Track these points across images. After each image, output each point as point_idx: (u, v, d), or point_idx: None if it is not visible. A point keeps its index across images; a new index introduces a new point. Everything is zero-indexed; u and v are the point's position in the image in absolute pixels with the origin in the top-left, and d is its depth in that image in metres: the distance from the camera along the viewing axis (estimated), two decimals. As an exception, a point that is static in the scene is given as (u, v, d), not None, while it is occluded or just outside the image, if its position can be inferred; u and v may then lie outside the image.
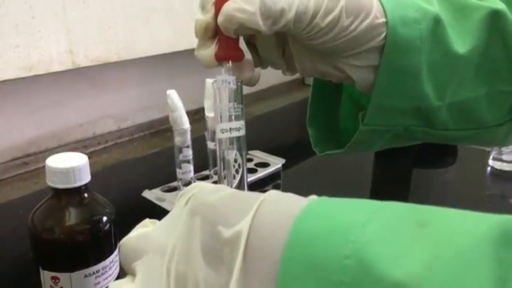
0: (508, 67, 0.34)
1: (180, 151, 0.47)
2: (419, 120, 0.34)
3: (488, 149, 0.75)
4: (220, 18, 0.29)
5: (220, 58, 0.30)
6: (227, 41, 0.29)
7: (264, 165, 0.61)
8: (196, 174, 0.52)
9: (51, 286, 0.39)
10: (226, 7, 0.28)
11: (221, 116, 0.30)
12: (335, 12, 0.29)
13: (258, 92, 1.18)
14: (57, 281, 0.38)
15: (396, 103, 0.32)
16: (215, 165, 0.52)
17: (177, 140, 0.46)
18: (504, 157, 0.73)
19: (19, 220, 0.56)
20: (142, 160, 0.83)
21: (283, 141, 0.95)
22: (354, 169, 0.72)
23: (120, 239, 0.44)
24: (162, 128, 0.95)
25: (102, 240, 0.40)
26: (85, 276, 0.39)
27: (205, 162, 0.53)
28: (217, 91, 0.30)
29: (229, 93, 0.30)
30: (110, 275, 0.40)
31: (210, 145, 0.50)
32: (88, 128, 0.86)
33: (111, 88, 0.88)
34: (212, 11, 0.30)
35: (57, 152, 0.39)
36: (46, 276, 0.39)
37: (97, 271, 0.39)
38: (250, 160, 0.59)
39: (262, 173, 0.59)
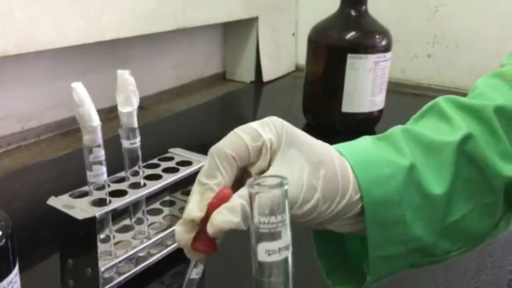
0: (484, 185, 0.35)
1: (90, 151, 0.41)
2: (421, 257, 0.35)
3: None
4: (210, 230, 0.29)
5: (197, 251, 0.31)
6: (209, 238, 0.30)
7: (186, 163, 0.57)
8: (111, 177, 0.47)
9: None
10: (216, 220, 0.29)
11: (262, 233, 0.25)
12: (312, 203, 0.31)
13: (178, 88, 1.13)
14: None
15: (394, 251, 0.34)
16: (131, 166, 0.47)
17: (86, 139, 0.41)
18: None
19: None
20: (50, 164, 0.77)
21: (205, 138, 0.92)
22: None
23: (20, 256, 0.38)
24: (73, 128, 0.88)
25: (-5, 259, 0.34)
26: (-25, 303, 0.33)
27: (120, 163, 0.48)
28: (253, 199, 0.26)
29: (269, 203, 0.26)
30: (6, 300, 0.35)
31: (125, 143, 0.45)
32: (-13, 130, 0.77)
33: (12, 84, 0.80)
34: (204, 210, 0.30)
35: None
36: None
37: (-9, 296, 0.33)
38: (170, 159, 0.54)
39: (184, 172, 0.55)
